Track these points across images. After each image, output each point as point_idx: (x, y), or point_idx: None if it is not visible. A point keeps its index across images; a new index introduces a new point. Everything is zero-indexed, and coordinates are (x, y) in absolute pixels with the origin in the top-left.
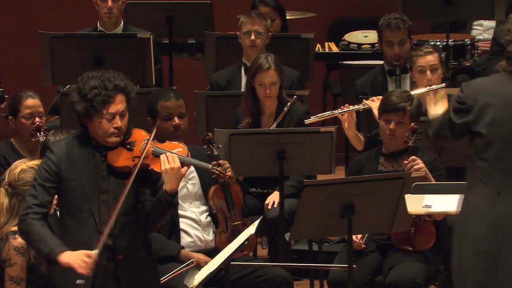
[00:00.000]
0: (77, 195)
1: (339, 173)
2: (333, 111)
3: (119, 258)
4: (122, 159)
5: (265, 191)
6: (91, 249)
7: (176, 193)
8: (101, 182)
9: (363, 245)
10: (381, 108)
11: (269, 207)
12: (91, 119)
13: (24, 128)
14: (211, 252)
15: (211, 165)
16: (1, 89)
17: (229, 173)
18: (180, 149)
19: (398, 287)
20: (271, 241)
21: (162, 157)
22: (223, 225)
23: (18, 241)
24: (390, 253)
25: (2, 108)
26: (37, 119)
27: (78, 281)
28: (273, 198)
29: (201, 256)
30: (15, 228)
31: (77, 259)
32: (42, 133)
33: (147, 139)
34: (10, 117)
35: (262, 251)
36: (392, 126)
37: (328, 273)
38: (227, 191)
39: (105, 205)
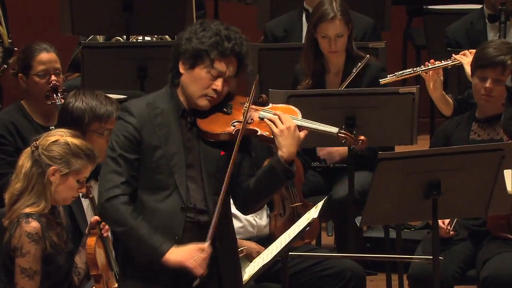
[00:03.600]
0: (162, 168)
1: (422, 144)
2: (415, 68)
3: (218, 244)
4: (220, 125)
5: (331, 165)
6: (175, 231)
7: (293, 160)
8: (188, 153)
9: (451, 232)
10: (475, 63)
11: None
12: (195, 66)
13: (37, 88)
14: (265, 240)
15: (338, 129)
16: (10, 40)
17: (362, 137)
18: (292, 112)
19: (495, 284)
20: (339, 226)
21: (271, 118)
22: (280, 207)
23: (32, 226)
24: (485, 242)
25: (11, 64)
26: (53, 77)
27: (196, 283)
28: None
29: (252, 245)
30: (29, 210)
31: (190, 257)
32: (59, 94)
33: (244, 101)
34: (20, 74)
35: (328, 239)
36: (488, 84)
37: (409, 266)
38: None
39: (192, 181)
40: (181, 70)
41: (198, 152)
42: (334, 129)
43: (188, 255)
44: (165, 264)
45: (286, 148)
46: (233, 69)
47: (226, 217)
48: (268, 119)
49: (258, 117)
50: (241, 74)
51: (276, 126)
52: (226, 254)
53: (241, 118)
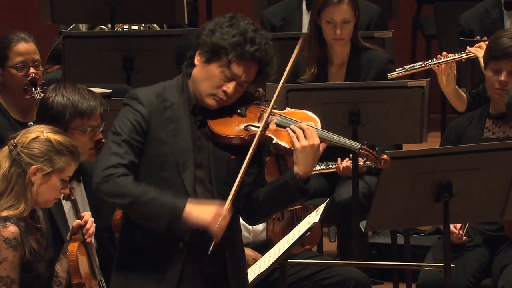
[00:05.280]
0: (168, 165)
1: (433, 142)
2: (427, 62)
3: (226, 255)
4: (232, 128)
5: (334, 166)
6: (180, 236)
7: (310, 177)
8: (197, 152)
9: (464, 238)
10: (488, 54)
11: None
12: (210, 62)
13: (14, 82)
14: (262, 246)
15: (360, 145)
16: None
17: (384, 157)
18: (312, 122)
19: None
20: (342, 232)
21: (294, 129)
22: None
23: (10, 230)
24: (502, 249)
25: None
26: (31, 69)
27: (211, 249)
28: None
29: (248, 252)
30: (6, 213)
31: (215, 221)
32: (38, 88)
33: (261, 103)
34: None
35: (330, 245)
36: (503, 77)
37: (418, 274)
38: (283, 165)
39: (200, 183)
40: (196, 62)
41: (207, 152)
42: (356, 145)
43: (212, 218)
44: (186, 221)
45: (303, 166)
46: (250, 75)
47: (234, 229)
48: (291, 129)
49: (275, 124)
50: (260, 83)
51: (299, 140)
52: (235, 270)
53: (256, 122)
